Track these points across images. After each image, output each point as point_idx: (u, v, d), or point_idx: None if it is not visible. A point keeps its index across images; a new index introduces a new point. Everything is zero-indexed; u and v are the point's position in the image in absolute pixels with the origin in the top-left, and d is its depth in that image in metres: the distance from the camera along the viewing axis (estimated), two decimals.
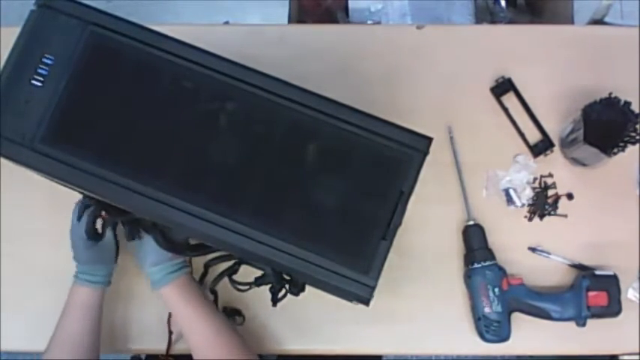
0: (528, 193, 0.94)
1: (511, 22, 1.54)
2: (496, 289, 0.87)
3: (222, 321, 0.83)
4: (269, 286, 0.84)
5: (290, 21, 1.44)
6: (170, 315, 0.88)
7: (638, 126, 0.86)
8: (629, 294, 0.91)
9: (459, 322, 0.91)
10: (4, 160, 0.65)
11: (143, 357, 1.04)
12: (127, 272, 0.91)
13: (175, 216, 0.63)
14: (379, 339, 0.92)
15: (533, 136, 0.96)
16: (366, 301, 0.63)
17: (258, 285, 0.84)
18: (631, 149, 0.87)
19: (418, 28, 1.02)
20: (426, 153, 0.63)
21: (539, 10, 1.55)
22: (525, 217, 0.94)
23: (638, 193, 0.94)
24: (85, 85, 0.64)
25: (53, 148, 0.63)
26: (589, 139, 0.85)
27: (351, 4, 1.54)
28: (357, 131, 0.63)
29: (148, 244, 0.83)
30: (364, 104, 0.65)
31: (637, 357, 0.90)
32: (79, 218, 0.83)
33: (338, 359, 0.96)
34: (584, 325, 0.87)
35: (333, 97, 0.64)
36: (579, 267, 0.92)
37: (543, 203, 0.94)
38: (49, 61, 0.64)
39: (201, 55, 0.64)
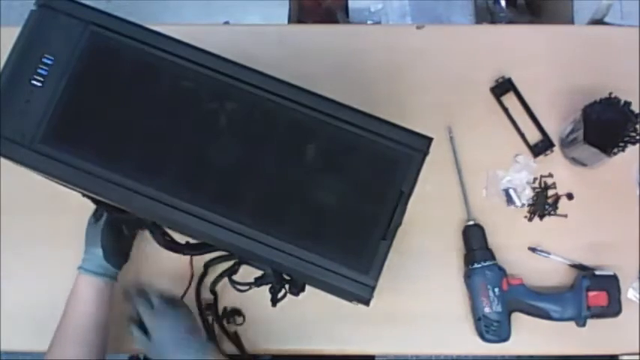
0: (528, 193, 0.94)
1: (511, 22, 1.54)
2: (496, 289, 0.87)
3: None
4: (269, 286, 0.84)
5: (290, 21, 1.44)
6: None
7: (638, 126, 0.86)
8: (629, 294, 0.91)
9: (459, 322, 0.91)
10: (4, 160, 0.65)
11: (142, 357, 1.04)
12: (125, 272, 0.91)
13: (175, 216, 0.63)
14: (379, 339, 0.92)
15: (533, 136, 0.96)
16: (366, 301, 0.63)
17: (258, 285, 0.84)
18: (631, 149, 0.87)
19: (418, 28, 1.02)
20: (426, 153, 0.63)
21: (539, 10, 1.55)
22: (525, 217, 0.94)
23: (638, 193, 0.94)
24: (85, 85, 0.64)
25: (53, 148, 0.63)
26: (589, 139, 0.85)
27: (351, 4, 1.54)
28: (357, 131, 0.63)
29: (162, 338, 0.81)
30: (364, 104, 0.65)
31: (637, 357, 0.90)
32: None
33: (338, 359, 0.96)
34: (584, 325, 0.87)
35: (333, 97, 0.64)
36: (579, 267, 0.92)
37: (543, 203, 0.94)
38: (49, 61, 0.64)
39: (201, 55, 0.64)
